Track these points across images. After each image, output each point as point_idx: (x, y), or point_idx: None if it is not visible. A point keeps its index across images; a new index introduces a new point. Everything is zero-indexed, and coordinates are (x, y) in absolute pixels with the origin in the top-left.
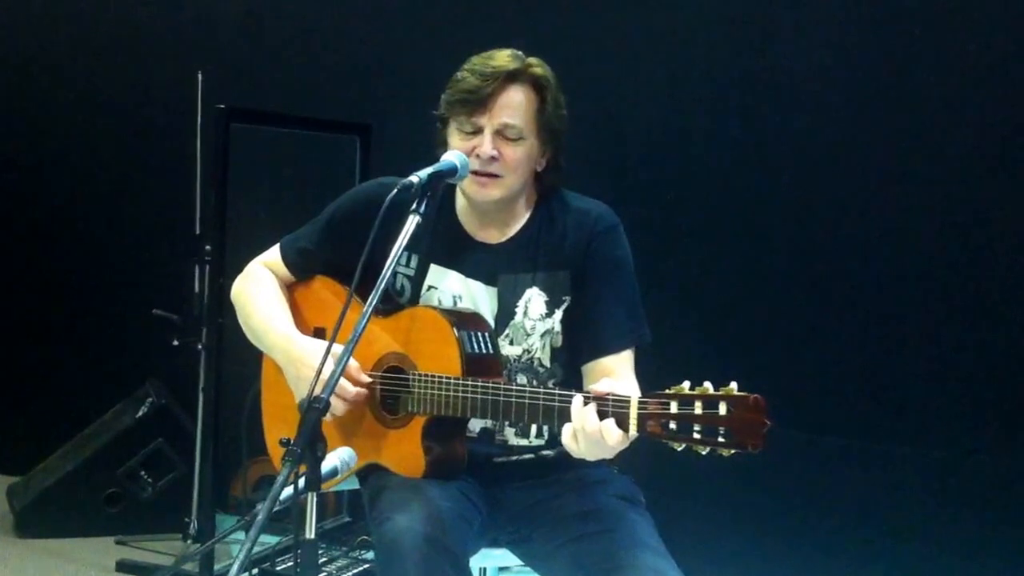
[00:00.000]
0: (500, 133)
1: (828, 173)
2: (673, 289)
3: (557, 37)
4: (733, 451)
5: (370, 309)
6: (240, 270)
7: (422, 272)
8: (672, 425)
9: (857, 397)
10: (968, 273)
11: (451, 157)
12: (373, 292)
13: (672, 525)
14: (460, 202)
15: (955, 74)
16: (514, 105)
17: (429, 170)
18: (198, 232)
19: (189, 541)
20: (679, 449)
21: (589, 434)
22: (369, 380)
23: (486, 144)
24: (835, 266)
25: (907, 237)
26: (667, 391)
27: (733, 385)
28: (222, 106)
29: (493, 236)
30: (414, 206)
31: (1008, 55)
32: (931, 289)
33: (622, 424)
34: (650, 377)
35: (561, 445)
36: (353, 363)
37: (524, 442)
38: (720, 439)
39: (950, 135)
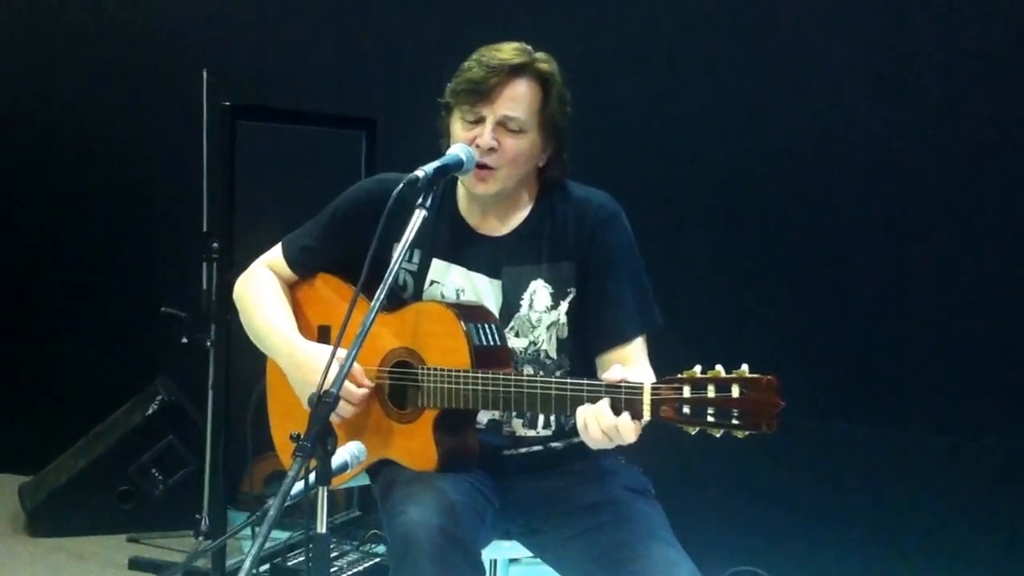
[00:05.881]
0: (502, 125)
1: (836, 160)
2: (680, 277)
3: (560, 31)
4: (748, 432)
5: (377, 306)
6: (248, 267)
7: (425, 267)
8: (685, 409)
9: (864, 382)
10: (973, 258)
11: (457, 151)
12: (380, 289)
13: (680, 514)
14: (462, 194)
15: (960, 63)
16: (517, 98)
17: (435, 164)
18: (206, 229)
19: (201, 537)
20: (693, 433)
21: (605, 428)
22: (372, 384)
23: (486, 134)
24: (840, 253)
25: (912, 223)
26: (679, 376)
27: (745, 367)
28: (228, 104)
29: (495, 228)
30: (420, 200)
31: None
32: (937, 274)
33: (635, 410)
34: (660, 363)
35: (568, 436)
36: (356, 367)
37: (532, 433)
38: (734, 421)
39: (950, 125)
